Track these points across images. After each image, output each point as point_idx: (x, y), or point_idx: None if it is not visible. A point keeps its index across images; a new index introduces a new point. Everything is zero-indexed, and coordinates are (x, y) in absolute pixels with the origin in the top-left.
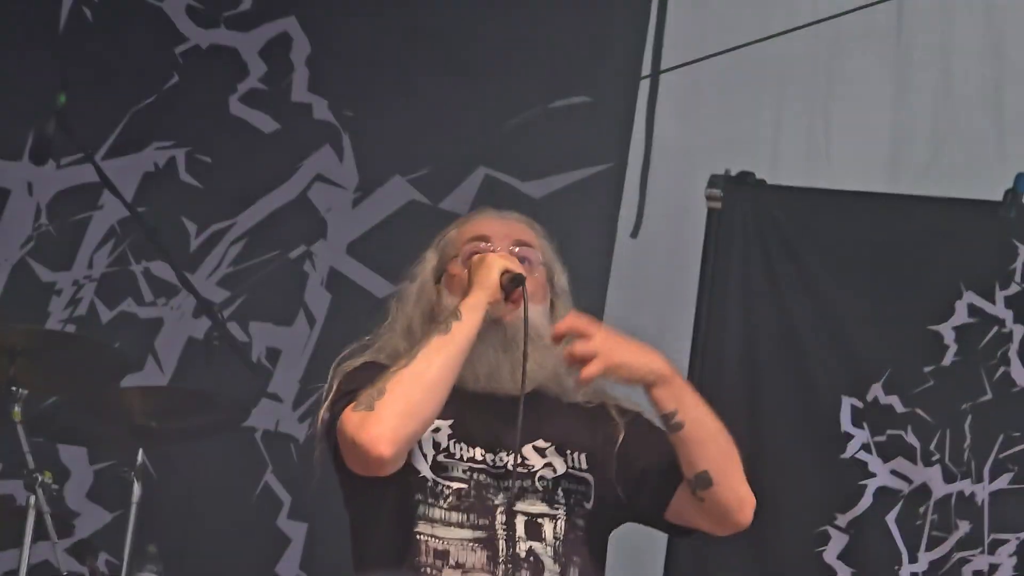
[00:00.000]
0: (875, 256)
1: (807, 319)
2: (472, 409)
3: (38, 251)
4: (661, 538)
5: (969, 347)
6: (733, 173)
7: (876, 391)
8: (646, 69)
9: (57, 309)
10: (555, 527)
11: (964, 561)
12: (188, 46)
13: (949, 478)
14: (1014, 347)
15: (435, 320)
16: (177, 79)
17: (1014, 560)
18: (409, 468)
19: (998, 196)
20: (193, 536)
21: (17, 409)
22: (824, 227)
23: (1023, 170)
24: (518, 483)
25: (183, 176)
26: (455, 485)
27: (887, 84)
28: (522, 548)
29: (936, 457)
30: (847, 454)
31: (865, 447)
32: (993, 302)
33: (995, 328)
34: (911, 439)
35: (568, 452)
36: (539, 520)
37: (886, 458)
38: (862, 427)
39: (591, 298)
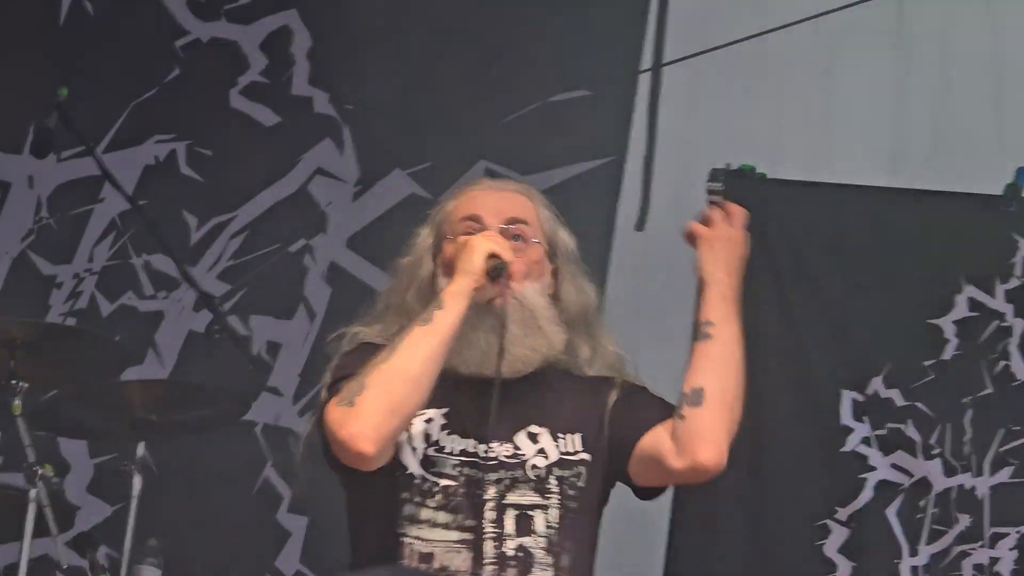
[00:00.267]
0: (875, 250)
1: (807, 313)
2: (466, 396)
3: (39, 244)
4: (662, 532)
5: (969, 341)
6: (734, 167)
7: (876, 385)
8: (645, 63)
9: (58, 302)
10: (547, 517)
11: (964, 555)
12: (189, 39)
13: (949, 472)
14: (1014, 341)
15: (430, 299)
16: (178, 72)
17: (1015, 554)
18: (397, 464)
19: (998, 190)
20: (193, 530)
21: (17, 402)
22: (825, 221)
23: (1023, 164)
24: (509, 474)
25: (184, 169)
26: (444, 483)
27: (888, 77)
28: (510, 546)
29: (936, 451)
30: (847, 448)
31: (865, 441)
32: (993, 296)
33: (995, 322)
34: (911, 433)
35: (561, 437)
36: (530, 512)
37: (886, 452)
38: (862, 421)
39: None
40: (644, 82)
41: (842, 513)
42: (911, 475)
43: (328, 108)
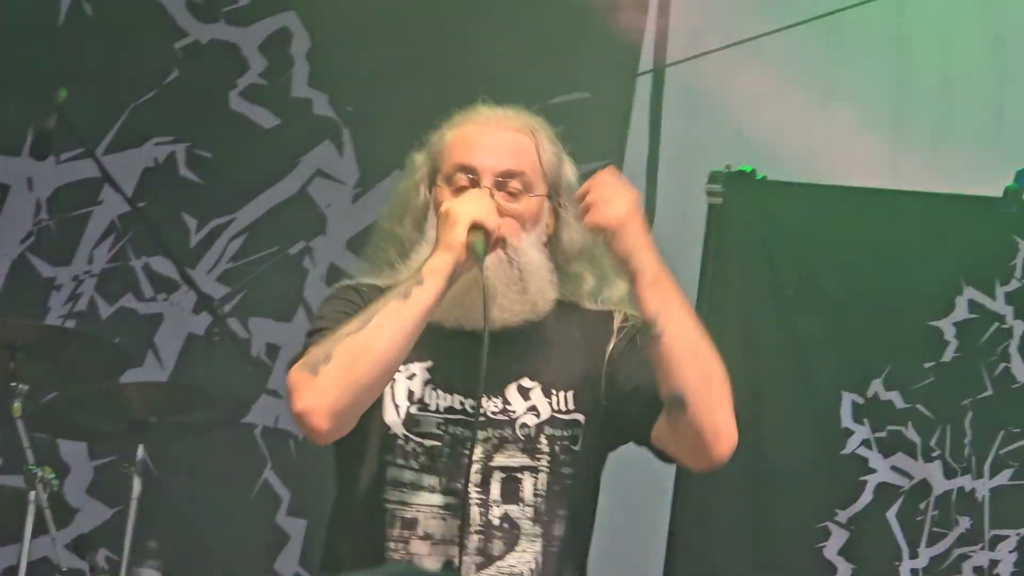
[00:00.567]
0: (875, 252)
1: (807, 314)
2: (451, 349)
3: (38, 246)
4: (662, 532)
5: (969, 343)
6: (733, 169)
7: (876, 387)
8: (644, 65)
9: (57, 304)
10: (536, 483)
11: (964, 557)
12: (188, 41)
13: (950, 474)
14: (1014, 343)
15: (423, 225)
16: (177, 74)
17: (1014, 556)
18: (379, 424)
19: (998, 192)
20: (193, 532)
21: (17, 404)
22: (824, 223)
23: (1023, 166)
24: (497, 432)
25: (183, 171)
26: (428, 443)
27: (887, 79)
28: (496, 514)
29: (936, 453)
30: (847, 450)
31: (865, 443)
32: (993, 298)
33: (995, 324)
34: (911, 435)
35: (554, 393)
36: (518, 476)
37: (886, 454)
38: (862, 423)
39: None
40: (642, 85)
41: (842, 515)
42: (911, 477)
43: (328, 110)
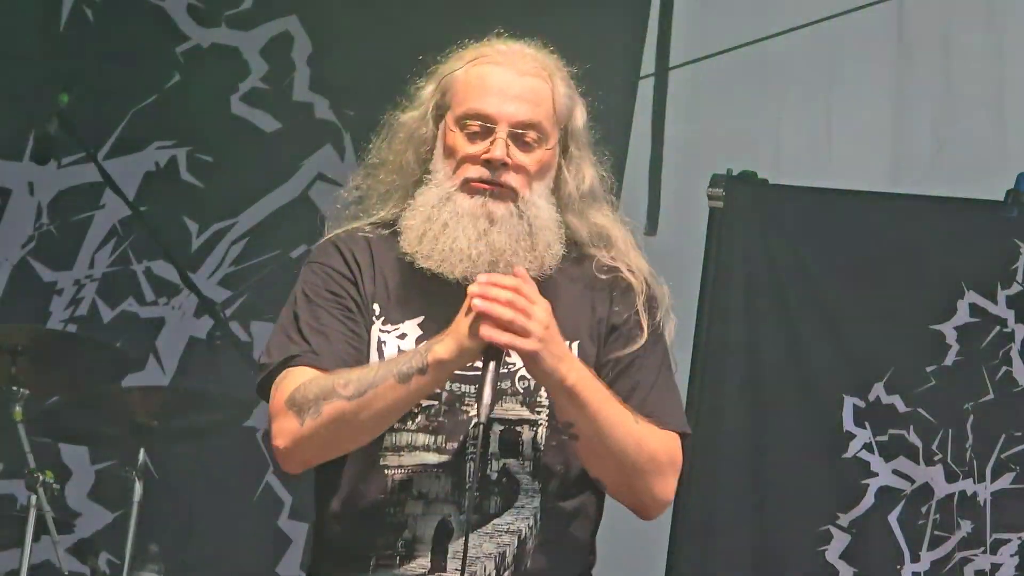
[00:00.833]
0: (877, 255)
1: (809, 319)
2: (445, 302)
3: (39, 251)
4: (663, 536)
5: (971, 347)
6: (735, 172)
7: (878, 391)
8: (646, 69)
9: (58, 309)
10: (535, 435)
11: (966, 561)
12: (189, 45)
13: (951, 478)
14: (1016, 347)
15: (427, 160)
16: (178, 78)
17: (1016, 560)
18: None
19: (1000, 195)
20: (194, 536)
21: (18, 409)
22: (826, 227)
23: None
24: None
25: (184, 175)
26: (425, 402)
27: (889, 83)
28: (494, 468)
29: (938, 457)
30: (849, 453)
31: (867, 447)
32: (995, 302)
33: (997, 328)
34: (913, 439)
35: None
36: (517, 428)
37: (888, 458)
38: (864, 427)
39: None
40: (644, 88)
41: (844, 519)
42: (913, 481)
43: (329, 114)
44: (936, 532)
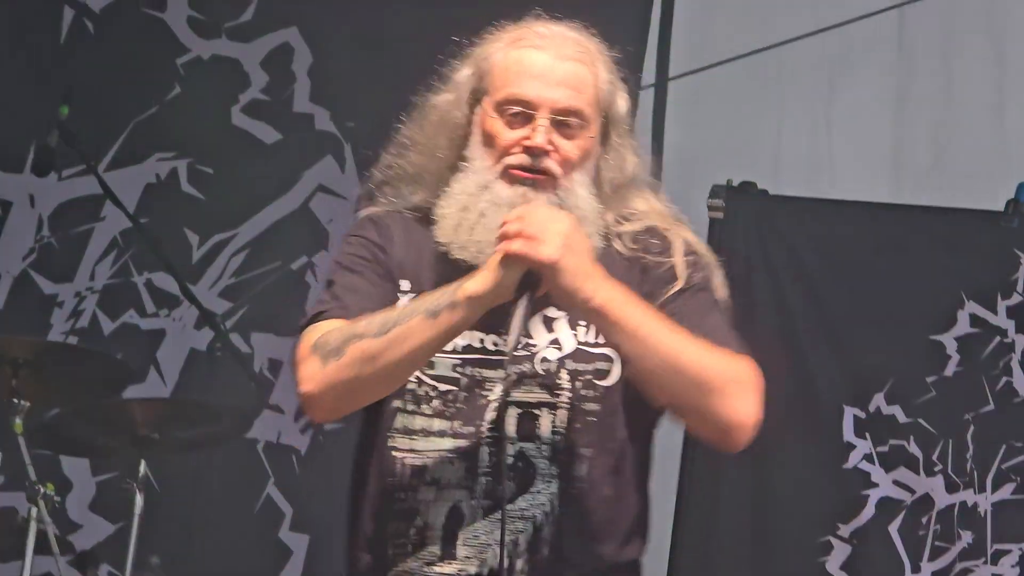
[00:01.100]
0: (877, 266)
1: (809, 329)
2: None
3: (40, 263)
4: (664, 546)
5: (971, 357)
6: (735, 183)
7: (878, 401)
8: (646, 79)
9: (59, 321)
10: (554, 419)
11: (967, 571)
12: (190, 57)
13: (952, 488)
14: (1016, 357)
15: (463, 147)
16: (179, 90)
17: (1016, 571)
18: None
19: (1000, 206)
20: (195, 548)
21: (19, 421)
22: (826, 237)
23: None
24: (516, 369)
25: (185, 187)
26: (442, 387)
27: (889, 94)
28: (509, 451)
29: (938, 467)
30: (849, 464)
31: (867, 457)
32: (995, 312)
33: (997, 338)
34: (913, 449)
35: (581, 324)
36: (535, 412)
37: (888, 468)
38: (864, 437)
39: None
40: (644, 99)
41: (844, 530)
42: (913, 492)
43: (329, 125)
44: (937, 543)
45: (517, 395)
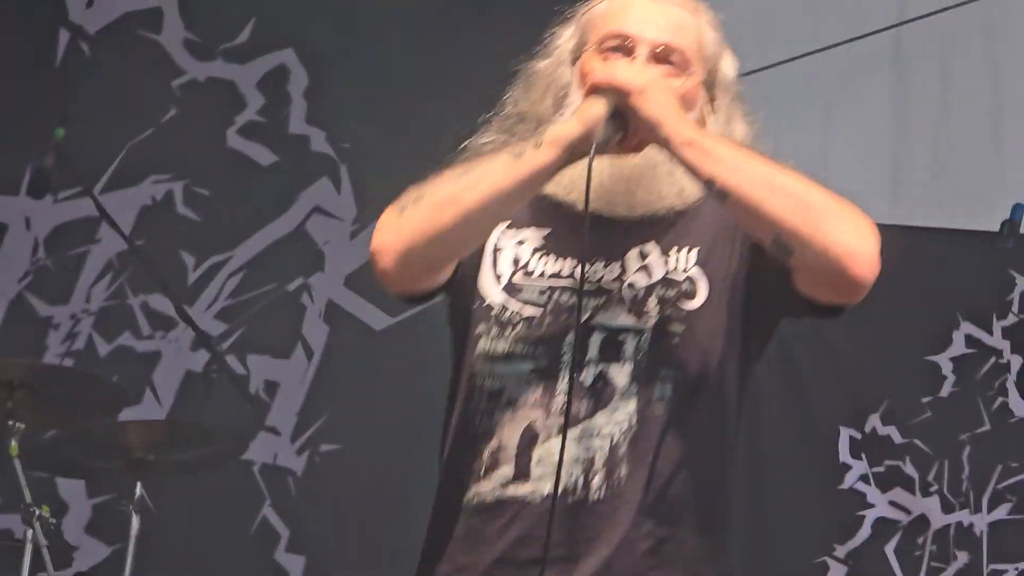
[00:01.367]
0: (873, 286)
1: (805, 349)
2: (572, 230)
3: (36, 285)
4: None
5: (967, 378)
6: None
7: (874, 422)
8: None
9: (55, 343)
10: (639, 342)
11: None
12: (185, 79)
13: (948, 509)
14: (1012, 377)
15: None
16: (174, 112)
17: None
18: (474, 294)
19: (996, 226)
20: (191, 570)
21: (14, 443)
22: None
23: (1021, 200)
24: (603, 297)
25: (181, 209)
26: (527, 312)
27: (886, 113)
28: (590, 373)
29: (934, 488)
30: (845, 485)
31: (863, 478)
32: (991, 333)
33: (993, 359)
34: (909, 470)
35: (674, 252)
36: (619, 337)
37: (884, 489)
38: (860, 458)
39: None
40: None
41: (840, 550)
42: (909, 512)
43: (325, 147)
44: (933, 563)
45: (602, 319)
